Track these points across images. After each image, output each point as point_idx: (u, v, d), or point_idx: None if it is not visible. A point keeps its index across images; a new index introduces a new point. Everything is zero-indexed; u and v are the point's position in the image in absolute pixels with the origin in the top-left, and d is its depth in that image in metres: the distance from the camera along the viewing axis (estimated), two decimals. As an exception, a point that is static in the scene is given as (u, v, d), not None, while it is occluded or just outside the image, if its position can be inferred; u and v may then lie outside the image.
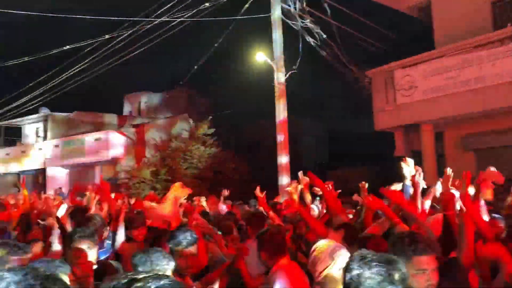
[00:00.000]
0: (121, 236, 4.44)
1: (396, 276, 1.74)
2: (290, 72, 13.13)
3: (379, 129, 13.93)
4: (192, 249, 3.21)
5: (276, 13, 13.10)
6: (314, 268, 2.55)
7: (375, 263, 1.77)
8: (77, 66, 16.10)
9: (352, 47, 14.07)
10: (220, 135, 23.27)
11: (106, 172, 23.58)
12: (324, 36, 13.44)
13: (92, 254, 3.07)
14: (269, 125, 19.00)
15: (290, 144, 14.21)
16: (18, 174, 26.58)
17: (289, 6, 13.06)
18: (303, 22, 13.27)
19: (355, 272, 1.79)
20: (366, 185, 5.25)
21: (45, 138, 26.48)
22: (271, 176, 15.28)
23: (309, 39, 13.22)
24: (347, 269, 1.84)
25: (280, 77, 13.21)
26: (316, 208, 7.25)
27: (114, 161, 23.04)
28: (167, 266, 2.67)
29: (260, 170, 23.11)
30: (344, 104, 25.11)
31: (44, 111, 25.54)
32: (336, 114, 27.70)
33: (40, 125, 27.29)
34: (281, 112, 13.41)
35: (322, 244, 2.65)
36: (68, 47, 14.08)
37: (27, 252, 2.45)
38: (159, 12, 13.58)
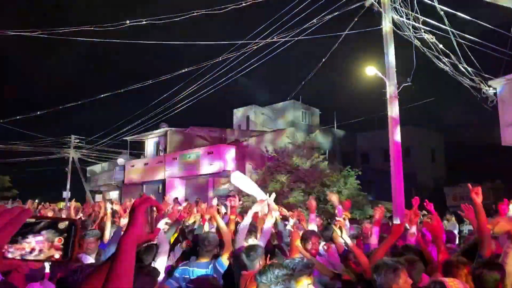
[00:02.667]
0: None
1: None
2: (403, 85, 12.53)
3: (507, 144, 12.59)
4: None
5: (387, 25, 12.64)
6: None
7: None
8: (193, 86, 17.23)
9: (473, 55, 12.96)
10: (328, 149, 23.06)
11: (218, 184, 24.78)
12: (441, 45, 12.60)
13: None
14: (380, 137, 18.36)
15: (404, 157, 13.50)
16: (141, 184, 29.17)
17: (401, 16, 12.51)
18: (416, 32, 12.60)
19: None
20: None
21: (164, 151, 28.71)
22: (384, 189, 14.68)
23: (424, 49, 12.50)
24: None
25: (391, 90, 12.67)
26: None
27: (225, 174, 24.11)
28: None
29: (370, 183, 22.35)
30: (465, 116, 23.23)
31: (164, 126, 27.72)
32: (455, 126, 25.74)
33: (161, 140, 29.69)
34: (394, 125, 12.82)
35: None
36: (185, 70, 15.15)
37: None
38: (268, 31, 13.98)
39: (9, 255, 0.90)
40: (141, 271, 2.97)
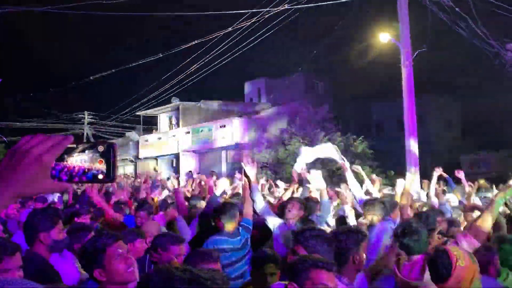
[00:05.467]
0: None
1: None
2: (418, 51, 12.20)
3: (525, 109, 12.27)
4: None
5: (401, -11, 12.23)
6: None
7: None
8: (203, 59, 17.08)
9: (491, 18, 12.51)
10: (341, 119, 22.84)
11: (231, 157, 24.87)
12: (457, 9, 12.16)
13: None
14: (394, 106, 18.05)
15: (418, 126, 13.28)
16: (156, 158, 29.44)
17: (416, -21, 12.06)
18: (432, -4, 12.16)
19: None
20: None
21: (177, 126, 28.80)
22: (397, 160, 14.56)
23: (440, 13, 12.08)
24: None
25: (407, 57, 12.37)
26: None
27: (238, 147, 24.15)
28: None
29: (385, 154, 22.17)
30: (481, 82, 22.64)
31: (176, 101, 27.72)
32: (471, 93, 25.15)
33: (173, 114, 29.74)
34: (408, 93, 12.58)
35: None
36: (195, 42, 14.98)
37: None
38: (277, 0, 13.65)
39: (57, 176, 0.95)
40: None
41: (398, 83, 12.96)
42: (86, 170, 0.96)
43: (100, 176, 0.97)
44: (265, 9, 13.40)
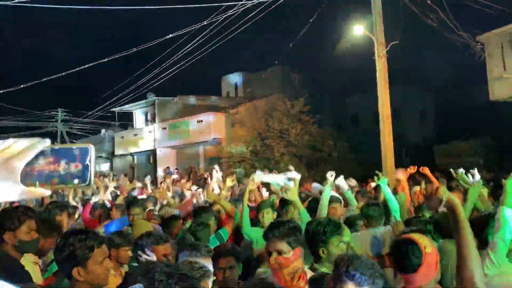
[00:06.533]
0: None
1: None
2: (391, 43, 12.36)
3: (495, 99, 12.62)
4: None
5: (374, -18, 12.34)
6: None
7: None
8: (178, 53, 16.89)
9: (461, 11, 12.77)
10: (317, 112, 22.98)
11: (209, 152, 24.76)
12: (428, 1, 12.37)
13: None
14: (369, 99, 18.29)
15: (393, 118, 13.49)
16: (132, 155, 29.07)
17: (388, -28, 12.19)
18: (404, -12, 12.32)
19: None
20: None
21: (153, 121, 28.47)
22: (372, 152, 14.75)
23: (412, 6, 12.27)
24: None
25: (380, 49, 12.51)
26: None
27: (216, 141, 24.06)
28: None
29: (361, 145, 22.47)
30: (453, 74, 23.11)
31: (151, 96, 27.38)
32: (443, 85, 25.66)
33: (149, 110, 29.38)
34: (383, 86, 12.74)
35: None
36: (170, 35, 14.78)
37: None
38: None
39: (28, 180, 0.90)
40: None
41: (373, 75, 13.11)
42: (61, 173, 0.93)
43: (76, 181, 0.94)
44: (240, 2, 13.33)
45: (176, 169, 23.11)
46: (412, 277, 2.24)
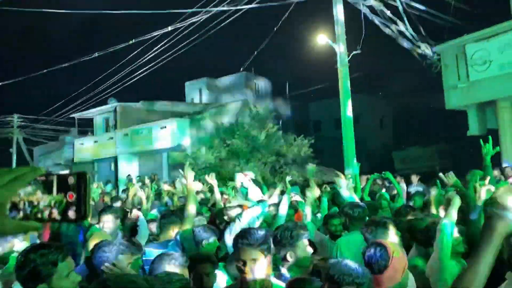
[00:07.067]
0: None
1: None
2: (353, 53, 12.76)
3: (451, 107, 13.22)
4: None
5: (337, -7, 12.71)
6: None
7: None
8: (142, 58, 16.72)
9: (418, 22, 13.35)
10: (281, 118, 23.25)
11: (173, 159, 24.48)
12: (388, 12, 12.86)
13: None
14: (331, 106, 18.74)
15: (354, 124, 13.91)
16: (92, 162, 28.29)
17: (350, -16, 12.60)
18: (365, 0, 12.76)
19: None
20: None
21: (115, 127, 27.87)
22: (335, 157, 15.11)
23: (372, 17, 12.72)
24: None
25: (342, 58, 12.89)
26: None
27: (180, 148, 23.82)
28: None
29: (323, 151, 22.90)
30: (411, 82, 24.09)
31: (113, 102, 26.81)
32: (402, 93, 26.64)
33: (110, 116, 28.74)
34: (345, 93, 13.11)
35: None
36: (133, 41, 14.60)
37: None
38: (217, 0, 13.67)
39: (19, 215, 0.83)
40: None
41: (335, 83, 13.47)
42: (54, 206, 0.84)
43: (71, 214, 0.84)
44: (205, 9, 13.38)
45: (138, 176, 22.68)
46: (379, 278, 2.37)
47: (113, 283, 1.88)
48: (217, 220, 4.96)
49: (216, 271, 3.06)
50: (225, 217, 4.67)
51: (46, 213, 0.84)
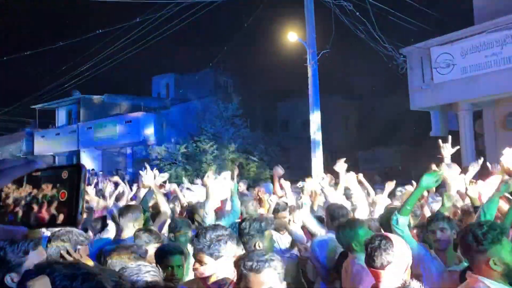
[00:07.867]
0: None
1: None
2: (322, 52, 12.87)
3: (415, 108, 13.59)
4: None
5: (308, -9, 12.79)
6: None
7: None
8: (108, 50, 16.26)
9: (387, 24, 13.64)
10: (249, 116, 23.25)
11: (138, 153, 24.02)
12: (358, 13, 13.05)
13: None
14: (300, 104, 18.87)
15: (322, 123, 14.05)
16: (53, 156, 27.38)
17: (322, -17, 12.70)
18: (335, 0, 12.90)
19: None
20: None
21: (78, 120, 27.07)
22: (303, 156, 15.22)
23: (342, 17, 12.88)
24: None
25: (312, 57, 12.98)
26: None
27: (145, 143, 23.41)
28: None
29: (290, 150, 23.07)
30: (378, 83, 24.55)
31: (76, 94, 26.03)
32: (369, 94, 27.14)
33: (73, 108, 27.89)
34: (314, 92, 13.21)
35: None
36: (100, 31, 14.18)
37: None
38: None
39: (6, 218, 0.70)
40: None
41: (303, 82, 13.55)
42: (39, 208, 0.70)
43: (61, 217, 0.69)
44: (175, 1, 13.16)
45: (101, 171, 22.12)
46: (379, 273, 2.24)
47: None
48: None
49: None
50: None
51: (33, 215, 0.70)
